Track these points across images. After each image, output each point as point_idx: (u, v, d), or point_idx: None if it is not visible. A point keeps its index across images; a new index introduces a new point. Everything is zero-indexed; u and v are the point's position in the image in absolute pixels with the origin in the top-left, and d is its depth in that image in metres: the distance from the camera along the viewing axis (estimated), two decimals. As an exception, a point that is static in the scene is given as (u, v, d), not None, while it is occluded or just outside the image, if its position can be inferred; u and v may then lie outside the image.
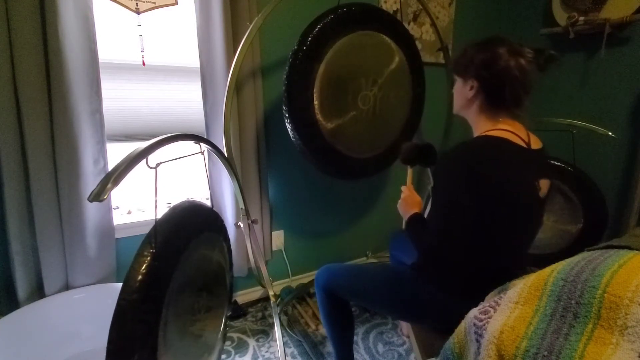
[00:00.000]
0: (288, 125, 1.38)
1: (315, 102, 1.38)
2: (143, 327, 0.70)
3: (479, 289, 0.82)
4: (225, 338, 1.23)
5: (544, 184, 0.94)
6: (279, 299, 1.79)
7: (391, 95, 1.58)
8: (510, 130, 0.89)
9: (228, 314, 1.22)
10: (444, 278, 0.94)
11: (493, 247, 0.89)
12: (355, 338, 1.56)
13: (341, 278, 1.15)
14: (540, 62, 0.92)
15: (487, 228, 0.87)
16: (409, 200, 1.10)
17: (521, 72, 0.88)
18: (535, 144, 0.95)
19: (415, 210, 1.06)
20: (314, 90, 1.37)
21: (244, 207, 1.42)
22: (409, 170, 1.16)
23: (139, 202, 1.65)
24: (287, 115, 1.36)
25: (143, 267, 0.70)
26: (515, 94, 0.90)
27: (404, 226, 1.10)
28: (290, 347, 1.57)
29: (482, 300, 0.78)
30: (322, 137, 1.43)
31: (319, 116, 1.40)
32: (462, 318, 0.74)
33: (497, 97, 0.90)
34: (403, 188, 1.15)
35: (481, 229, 0.87)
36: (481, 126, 0.95)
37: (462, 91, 0.96)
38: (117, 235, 1.48)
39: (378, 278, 1.09)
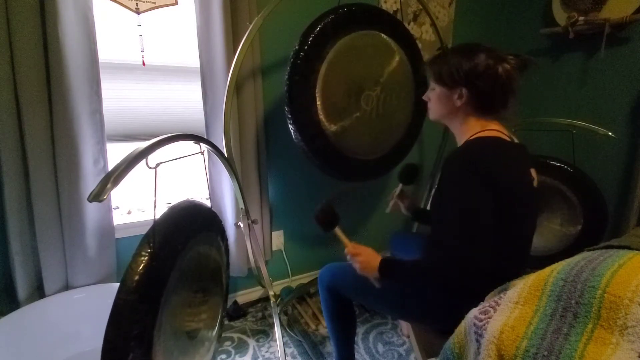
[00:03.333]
0: (291, 126, 1.38)
1: (318, 103, 1.38)
2: (139, 327, 0.70)
3: (482, 289, 0.82)
4: (220, 338, 1.23)
5: (535, 174, 0.97)
6: (279, 299, 1.79)
7: (394, 96, 1.57)
8: (500, 130, 0.93)
9: (224, 314, 1.22)
10: (466, 283, 0.90)
11: (507, 245, 0.89)
12: (355, 338, 1.55)
13: (345, 276, 1.15)
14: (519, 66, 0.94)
15: (504, 226, 0.86)
16: (364, 255, 1.00)
17: (508, 78, 0.91)
18: (517, 139, 0.99)
19: (377, 258, 0.98)
20: (316, 91, 1.37)
21: (244, 207, 1.42)
22: (338, 231, 1.09)
23: (139, 202, 1.65)
24: (289, 116, 1.36)
25: (141, 267, 0.70)
26: (504, 99, 0.93)
27: (377, 279, 0.99)
28: (290, 347, 1.57)
29: (482, 300, 0.77)
30: (325, 138, 1.43)
31: (321, 117, 1.40)
32: (462, 318, 0.74)
33: (487, 103, 0.92)
34: (349, 251, 1.03)
35: (500, 228, 0.86)
36: (469, 130, 0.95)
37: (448, 100, 0.96)
38: (117, 235, 1.48)
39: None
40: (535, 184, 0.95)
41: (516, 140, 0.99)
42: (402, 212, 1.40)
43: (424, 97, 1.05)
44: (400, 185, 1.36)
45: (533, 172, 0.96)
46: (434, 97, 1.00)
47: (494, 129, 0.92)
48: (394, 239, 1.46)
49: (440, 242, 0.89)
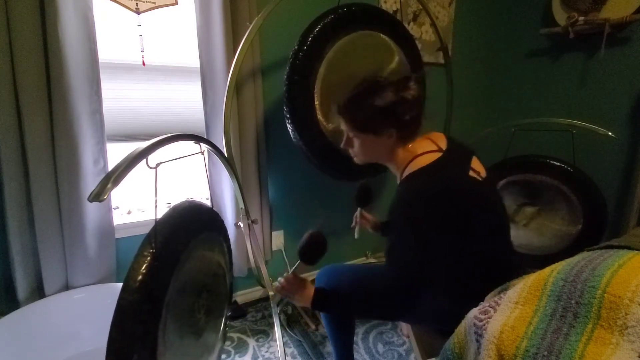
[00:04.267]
0: (289, 126, 1.38)
1: (317, 103, 1.38)
2: (143, 327, 0.70)
3: (478, 293, 0.82)
4: (225, 338, 1.22)
5: (476, 163, 0.95)
6: (279, 299, 1.79)
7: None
8: (426, 150, 0.92)
9: (228, 314, 1.22)
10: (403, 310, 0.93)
11: (480, 256, 0.91)
12: (355, 338, 1.55)
13: (342, 278, 1.15)
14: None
15: (468, 246, 0.88)
16: (294, 285, 0.97)
17: (418, 100, 0.92)
18: (441, 138, 0.97)
19: (310, 287, 0.96)
20: (315, 91, 1.37)
21: (244, 207, 1.42)
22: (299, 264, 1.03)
23: (139, 202, 1.65)
24: (288, 115, 1.36)
25: (143, 267, 0.70)
26: (421, 119, 0.95)
27: (314, 307, 0.96)
28: (290, 347, 1.57)
29: (482, 300, 0.78)
30: (324, 138, 1.43)
31: (320, 117, 1.40)
32: (462, 319, 0.74)
33: (410, 130, 0.93)
34: (286, 277, 0.99)
35: (464, 251, 0.88)
36: (402, 160, 0.95)
37: (379, 144, 0.95)
38: (117, 235, 1.48)
39: (379, 278, 1.09)
40: (483, 174, 0.94)
41: (444, 142, 0.96)
42: (370, 232, 1.37)
43: (343, 147, 1.02)
44: (359, 208, 1.33)
45: (476, 164, 0.95)
46: (360, 145, 0.97)
47: (421, 152, 0.92)
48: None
49: (384, 275, 0.90)
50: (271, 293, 1.52)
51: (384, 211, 1.43)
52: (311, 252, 0.98)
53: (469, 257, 0.90)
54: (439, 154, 0.91)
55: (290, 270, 1.00)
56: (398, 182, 0.95)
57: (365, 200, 1.28)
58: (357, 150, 0.99)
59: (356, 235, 1.33)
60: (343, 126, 0.97)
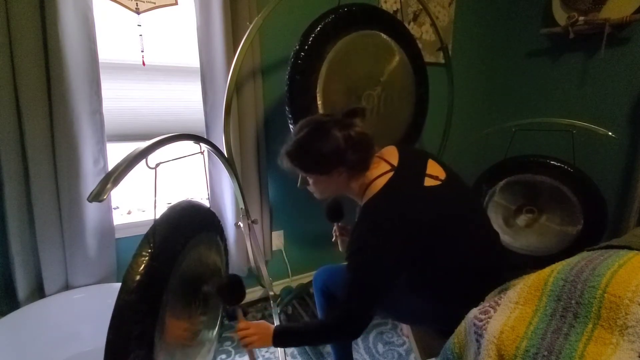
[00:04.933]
0: (291, 126, 1.38)
1: (319, 102, 1.38)
2: (140, 327, 0.70)
3: (474, 293, 0.83)
4: (220, 337, 1.22)
5: (433, 167, 0.95)
6: (279, 299, 1.79)
7: (395, 96, 1.57)
8: (379, 173, 0.92)
9: (224, 314, 1.22)
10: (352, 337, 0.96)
11: (463, 257, 0.91)
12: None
13: (339, 279, 1.15)
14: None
15: (444, 252, 0.89)
16: (254, 330, 0.96)
17: (363, 137, 0.93)
18: (393, 154, 0.97)
19: (269, 329, 0.96)
20: (317, 90, 1.37)
21: (244, 207, 1.42)
22: (240, 311, 1.04)
23: (139, 202, 1.65)
24: (290, 115, 1.36)
25: (141, 267, 0.70)
26: (371, 152, 0.94)
27: (278, 346, 0.96)
28: (290, 347, 1.57)
29: (482, 300, 0.78)
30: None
31: (322, 116, 1.40)
32: (461, 319, 0.74)
33: (360, 165, 0.93)
34: (239, 328, 0.98)
35: (443, 256, 0.89)
36: (358, 190, 0.96)
37: (331, 182, 0.96)
38: (117, 235, 1.48)
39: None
40: (442, 177, 0.94)
41: (395, 157, 0.96)
42: None
43: (299, 186, 1.05)
44: (335, 223, 1.32)
45: (433, 167, 0.95)
46: (314, 184, 0.99)
47: (374, 177, 0.92)
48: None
49: (346, 304, 0.90)
50: (271, 293, 1.52)
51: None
52: (231, 293, 0.96)
53: (447, 261, 0.90)
54: (391, 173, 0.91)
55: (237, 322, 0.99)
56: (358, 210, 0.95)
57: (337, 215, 1.27)
58: (313, 188, 1.01)
59: (340, 249, 1.32)
60: (294, 169, 0.97)
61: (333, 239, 1.33)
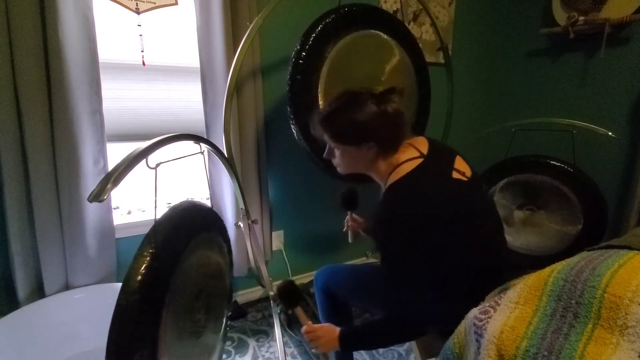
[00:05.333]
0: (293, 127, 1.38)
1: (320, 102, 1.38)
2: (142, 328, 0.70)
3: (470, 294, 0.83)
4: (225, 338, 1.22)
5: (460, 163, 0.95)
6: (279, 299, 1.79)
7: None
8: (408, 157, 0.91)
9: (228, 314, 1.22)
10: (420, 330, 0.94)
11: (473, 255, 0.90)
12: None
13: (340, 278, 1.15)
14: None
15: (459, 248, 0.88)
16: (321, 333, 0.98)
17: (399, 114, 0.92)
18: (423, 143, 0.97)
19: (335, 332, 0.96)
20: (318, 90, 1.36)
21: (244, 207, 1.42)
22: (298, 310, 1.07)
23: (139, 202, 1.65)
24: (291, 116, 1.36)
25: (143, 268, 0.70)
26: (403, 133, 0.94)
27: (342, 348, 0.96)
28: (290, 347, 1.57)
29: (482, 300, 0.78)
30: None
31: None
32: (462, 319, 0.74)
33: (391, 144, 0.93)
34: (305, 330, 1.00)
35: (455, 253, 0.88)
36: (384, 171, 0.95)
37: (357, 156, 0.95)
38: (117, 235, 1.48)
39: (378, 278, 1.09)
40: (468, 174, 0.93)
41: (425, 147, 0.95)
42: (363, 236, 1.35)
43: (325, 156, 1.02)
44: (349, 212, 1.31)
45: (460, 164, 0.95)
46: (340, 155, 0.97)
47: (402, 160, 0.91)
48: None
49: (387, 300, 0.90)
50: (271, 293, 1.52)
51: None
52: (287, 294, 1.06)
53: (458, 259, 0.89)
54: (420, 160, 0.91)
55: (304, 320, 1.03)
56: (382, 192, 0.94)
57: (352, 204, 1.26)
58: (338, 161, 1.00)
59: (350, 240, 1.32)
60: (323, 136, 0.97)
61: (344, 229, 1.32)
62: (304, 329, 1.01)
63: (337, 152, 0.98)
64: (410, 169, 0.89)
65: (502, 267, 0.96)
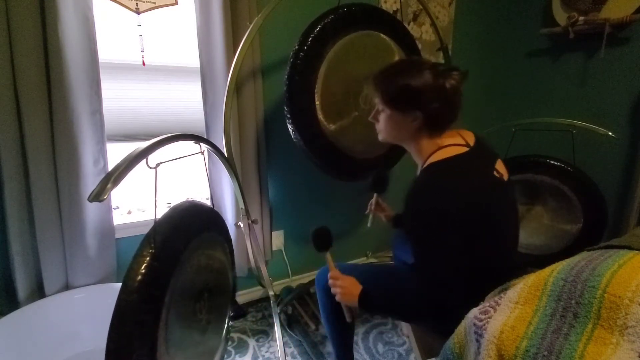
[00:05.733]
0: (290, 126, 1.38)
1: (317, 102, 1.38)
2: (142, 328, 0.70)
3: (480, 291, 0.82)
4: (228, 339, 1.22)
5: (501, 166, 0.95)
6: (279, 299, 1.79)
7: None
8: (451, 143, 0.90)
9: (230, 315, 1.22)
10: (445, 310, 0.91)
11: (492, 254, 0.90)
12: (355, 338, 1.55)
13: None
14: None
15: (483, 244, 0.87)
16: (346, 281, 1.00)
17: (456, 93, 0.90)
18: (470, 136, 0.96)
19: (358, 288, 0.97)
20: (316, 91, 1.37)
21: (244, 207, 1.42)
22: (328, 256, 1.09)
23: (139, 202, 1.65)
24: (288, 115, 1.36)
25: (142, 268, 0.70)
26: (455, 115, 0.92)
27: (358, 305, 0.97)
28: (290, 347, 1.57)
29: (482, 300, 0.78)
30: (325, 138, 1.43)
31: (320, 116, 1.40)
32: (462, 318, 0.74)
33: (440, 122, 0.91)
34: (332, 275, 1.03)
35: (479, 247, 0.87)
36: (424, 151, 0.93)
37: (401, 124, 0.93)
38: (117, 235, 1.48)
39: (379, 278, 1.09)
40: (505, 177, 0.94)
41: (472, 139, 0.95)
42: (383, 222, 1.36)
43: (370, 119, 1.01)
44: (375, 195, 1.32)
45: (500, 166, 0.95)
46: (385, 120, 0.95)
47: (447, 144, 0.91)
48: (396, 238, 1.44)
49: (421, 268, 0.88)
50: (271, 293, 1.52)
51: (397, 204, 1.43)
52: (319, 238, 1.09)
53: (479, 253, 0.88)
54: (466, 149, 0.89)
55: (331, 266, 1.06)
56: (418, 171, 0.93)
57: (381, 186, 1.27)
58: (381, 126, 0.98)
59: (369, 224, 1.32)
60: (374, 96, 0.96)
61: (367, 211, 1.33)
62: (330, 273, 1.03)
63: (382, 116, 0.96)
64: (452, 153, 0.87)
65: (512, 270, 0.95)
